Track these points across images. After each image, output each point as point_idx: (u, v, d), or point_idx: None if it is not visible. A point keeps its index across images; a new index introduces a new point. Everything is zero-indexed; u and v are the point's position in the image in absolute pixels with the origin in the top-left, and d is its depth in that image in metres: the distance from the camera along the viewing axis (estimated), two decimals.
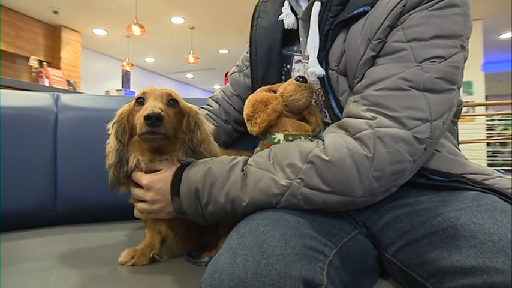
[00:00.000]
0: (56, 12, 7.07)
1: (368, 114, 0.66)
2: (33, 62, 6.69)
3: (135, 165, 0.79)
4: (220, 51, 9.53)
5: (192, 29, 7.90)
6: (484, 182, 0.71)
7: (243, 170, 0.69)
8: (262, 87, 0.86)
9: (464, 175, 0.72)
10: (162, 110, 0.72)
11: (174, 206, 0.75)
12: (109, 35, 8.33)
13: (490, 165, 6.06)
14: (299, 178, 0.64)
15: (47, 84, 5.09)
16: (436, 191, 0.71)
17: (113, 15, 7.21)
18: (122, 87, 9.77)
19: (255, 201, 0.66)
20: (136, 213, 0.85)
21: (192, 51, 8.35)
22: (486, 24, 6.61)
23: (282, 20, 0.90)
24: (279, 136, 0.79)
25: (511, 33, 7.55)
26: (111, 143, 0.81)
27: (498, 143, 6.03)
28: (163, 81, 12.24)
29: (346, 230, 0.69)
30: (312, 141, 0.79)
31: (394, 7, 0.69)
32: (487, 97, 7.64)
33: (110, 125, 0.82)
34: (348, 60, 0.75)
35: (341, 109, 0.77)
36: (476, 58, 6.53)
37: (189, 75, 12.67)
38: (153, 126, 0.71)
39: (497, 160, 6.06)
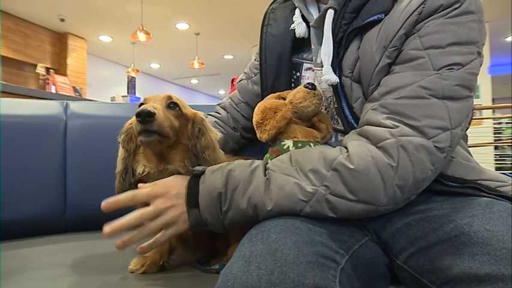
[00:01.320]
0: (62, 20, 7.17)
1: (389, 123, 0.66)
2: (41, 69, 6.77)
3: (142, 174, 0.78)
4: (225, 56, 9.58)
5: (197, 34, 7.96)
6: (498, 188, 0.71)
7: (265, 175, 0.69)
8: (272, 94, 0.86)
9: (478, 181, 0.72)
10: (155, 108, 0.71)
11: (191, 220, 0.70)
12: (114, 41, 8.41)
13: (497, 168, 6.00)
14: (324, 185, 0.64)
15: (53, 91, 5.15)
16: (448, 197, 0.71)
17: (118, 22, 7.28)
18: (128, 93, 9.84)
19: (280, 206, 0.65)
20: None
21: (196, 57, 8.41)
22: (492, 27, 6.57)
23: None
24: (289, 143, 0.79)
25: None
26: (119, 152, 0.82)
27: (506, 146, 5.97)
28: (168, 86, 12.32)
29: (357, 237, 0.69)
30: None
31: (410, 15, 0.69)
32: (493, 100, 7.59)
33: (120, 135, 0.83)
34: (362, 68, 0.75)
35: (354, 116, 0.77)
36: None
37: (194, 81, 12.74)
38: (144, 123, 0.70)
39: (506, 164, 6.00)
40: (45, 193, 1.14)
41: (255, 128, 0.81)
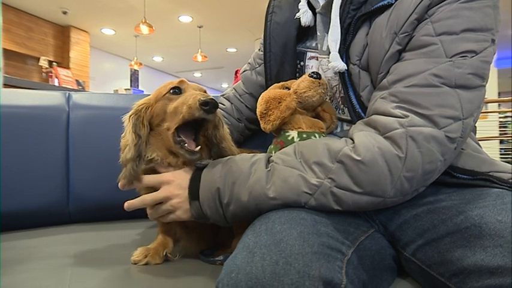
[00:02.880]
0: (65, 13, 7.14)
1: (398, 112, 0.64)
2: (43, 63, 6.77)
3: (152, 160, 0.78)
4: (228, 49, 9.53)
5: (200, 27, 7.91)
6: (511, 180, 0.69)
7: (267, 167, 0.68)
8: (276, 84, 0.85)
9: (490, 173, 0.70)
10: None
11: (193, 211, 0.73)
12: (117, 34, 8.39)
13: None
14: (329, 178, 0.63)
15: (56, 84, 5.15)
16: (457, 189, 0.69)
17: (121, 15, 7.25)
18: (131, 86, 9.83)
19: (284, 199, 0.64)
20: (149, 212, 0.84)
21: (200, 50, 8.37)
22: None
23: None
24: (293, 133, 0.78)
25: None
26: (127, 137, 0.77)
27: None
28: (171, 80, 12.21)
29: (363, 229, 0.68)
30: None
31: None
32: (499, 93, 7.52)
33: (126, 118, 0.80)
34: (371, 55, 0.73)
35: (362, 105, 0.76)
36: None
37: (197, 74, 12.70)
38: (209, 113, 0.71)
39: (511, 157, 5.95)
40: (48, 184, 1.13)
41: (259, 119, 0.80)
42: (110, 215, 1.19)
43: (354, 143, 0.64)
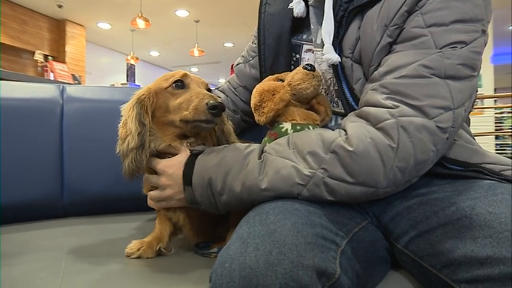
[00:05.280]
0: (60, 6, 7.07)
1: (389, 103, 0.64)
2: (39, 57, 6.72)
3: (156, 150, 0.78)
4: (225, 44, 9.48)
5: (196, 22, 7.86)
6: (502, 172, 0.70)
7: (260, 158, 0.68)
8: (270, 76, 0.84)
9: (482, 165, 0.71)
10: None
11: (186, 196, 0.74)
12: (113, 28, 8.32)
13: None
14: (322, 168, 0.63)
15: (52, 78, 5.11)
16: (449, 181, 0.70)
17: (117, 9, 7.19)
18: (127, 81, 9.78)
19: (276, 190, 0.64)
20: (149, 202, 0.84)
21: (196, 45, 8.32)
22: (495, 15, 6.47)
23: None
24: (287, 125, 0.77)
25: None
26: (129, 126, 0.76)
27: (507, 136, 5.95)
28: None
29: (357, 220, 0.68)
30: None
31: None
32: (495, 89, 7.54)
33: (126, 107, 0.79)
34: (363, 47, 0.73)
35: (355, 98, 0.76)
36: (485, 50, 6.42)
37: (194, 69, 12.65)
38: (216, 116, 0.72)
39: (506, 153, 5.99)
40: (41, 177, 1.13)
41: (253, 111, 0.80)
42: (104, 208, 1.20)
43: (346, 133, 0.64)
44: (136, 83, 9.26)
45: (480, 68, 0.68)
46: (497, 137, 6.00)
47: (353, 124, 0.66)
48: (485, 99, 6.10)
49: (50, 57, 6.96)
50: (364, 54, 0.73)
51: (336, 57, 0.75)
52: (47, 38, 7.63)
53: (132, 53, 8.79)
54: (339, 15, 0.75)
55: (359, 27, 0.74)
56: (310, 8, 0.83)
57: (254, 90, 0.81)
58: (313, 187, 0.63)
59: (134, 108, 0.76)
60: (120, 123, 0.79)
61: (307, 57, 0.89)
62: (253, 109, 0.80)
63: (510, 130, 5.78)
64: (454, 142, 0.73)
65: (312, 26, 0.84)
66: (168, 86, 0.78)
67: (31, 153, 1.12)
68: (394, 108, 0.63)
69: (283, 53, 0.90)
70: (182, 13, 7.44)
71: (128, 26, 7.42)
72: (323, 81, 0.83)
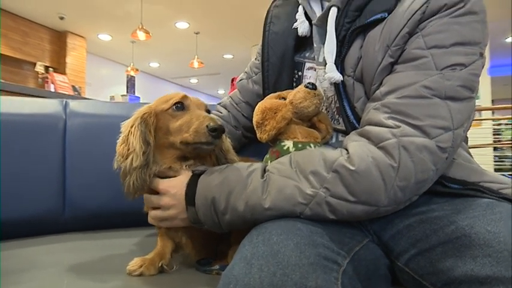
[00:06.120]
0: (62, 18, 7.15)
1: (391, 123, 0.66)
2: (40, 68, 6.76)
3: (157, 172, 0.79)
4: (225, 56, 9.56)
5: (196, 33, 7.95)
6: (500, 190, 0.71)
7: (263, 177, 0.69)
8: (272, 94, 0.86)
9: (480, 183, 0.72)
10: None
11: (189, 216, 0.74)
12: (114, 40, 8.40)
13: (497, 170, 5.98)
14: (324, 187, 0.64)
15: (52, 89, 5.13)
16: (448, 199, 0.71)
17: (118, 21, 7.27)
18: (127, 92, 9.81)
19: (279, 209, 0.65)
20: (150, 219, 0.85)
21: (196, 56, 8.39)
22: (492, 28, 6.53)
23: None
24: (288, 144, 0.79)
25: None
26: (132, 144, 0.76)
27: (506, 148, 5.97)
28: (168, 86, 12.30)
29: (358, 239, 0.69)
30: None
31: (414, 14, 0.68)
32: (493, 101, 7.60)
33: (127, 124, 0.80)
34: (365, 67, 0.74)
35: (356, 116, 0.77)
36: None
37: (194, 80, 12.72)
38: (216, 138, 0.74)
39: (505, 165, 6.00)
40: (43, 192, 1.13)
41: (255, 128, 0.81)
42: (106, 223, 1.20)
43: (348, 153, 0.66)
44: (136, 94, 9.29)
45: (478, 89, 0.70)
46: (495, 149, 6.02)
47: (355, 143, 0.67)
48: (483, 111, 6.14)
49: (50, 69, 7.00)
50: (366, 73, 0.74)
51: (338, 76, 0.76)
52: (48, 49, 7.70)
53: (132, 64, 8.85)
54: (342, 35, 0.77)
55: (361, 47, 0.76)
56: (314, 26, 0.85)
57: (256, 108, 0.82)
58: (315, 206, 0.64)
59: (138, 127, 0.77)
60: (120, 140, 0.80)
61: (309, 75, 0.90)
62: (255, 127, 0.81)
63: (508, 142, 5.80)
64: (453, 161, 0.74)
65: (314, 45, 0.86)
66: (169, 108, 0.79)
67: (33, 169, 1.12)
68: (395, 128, 0.65)
69: (286, 70, 0.91)
70: (182, 25, 7.52)
71: (128, 38, 7.48)
72: (324, 98, 0.84)
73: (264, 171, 0.70)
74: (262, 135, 0.79)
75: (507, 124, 6.32)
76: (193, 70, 9.67)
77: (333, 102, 0.85)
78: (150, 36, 6.56)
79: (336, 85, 0.79)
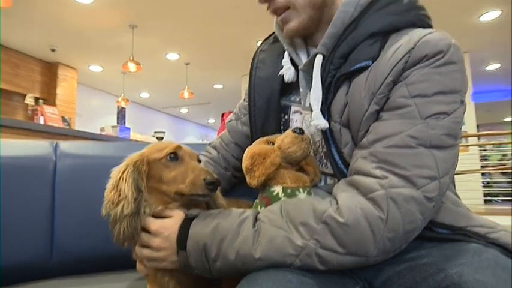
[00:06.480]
0: (53, 50, 7.20)
1: (378, 173, 0.67)
2: (29, 100, 6.73)
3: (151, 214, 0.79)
4: (215, 85, 9.68)
5: (187, 64, 8.06)
6: (487, 235, 0.72)
7: (254, 226, 0.69)
8: (260, 139, 0.87)
9: (468, 228, 0.73)
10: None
11: (180, 260, 0.74)
12: (105, 71, 8.46)
13: (485, 194, 6.05)
14: (314, 239, 0.64)
15: (42, 122, 5.10)
16: (437, 244, 0.72)
17: (109, 52, 7.35)
18: (117, 123, 9.80)
19: (269, 260, 0.65)
20: (138, 268, 0.83)
21: (187, 87, 8.47)
22: (473, 57, 6.85)
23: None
24: (278, 189, 0.80)
25: (498, 64, 7.81)
26: (124, 191, 0.75)
27: (493, 172, 6.07)
28: (158, 116, 12.32)
29: (349, 287, 0.69)
30: (310, 193, 0.80)
31: (397, 63, 0.71)
32: (478, 126, 7.78)
33: (117, 170, 0.79)
34: (351, 113, 0.76)
35: (344, 161, 0.78)
36: None
37: (184, 110, 12.78)
38: (213, 191, 0.75)
39: (493, 189, 6.08)
40: (31, 237, 1.10)
41: (245, 174, 0.82)
42: (94, 267, 1.17)
43: (337, 203, 0.67)
44: (126, 125, 9.27)
45: (461, 136, 0.72)
46: (483, 174, 6.11)
47: (344, 194, 0.68)
48: (469, 138, 6.27)
49: (40, 101, 6.98)
50: (353, 119, 0.76)
51: (324, 123, 0.78)
52: (38, 81, 7.69)
53: (122, 94, 8.88)
54: (327, 81, 0.79)
55: (347, 93, 0.77)
56: (300, 72, 0.87)
57: (245, 153, 0.83)
58: (305, 257, 0.64)
59: (131, 174, 0.77)
60: (109, 186, 0.79)
61: (295, 118, 0.92)
62: (244, 172, 0.82)
63: (496, 166, 5.90)
64: (442, 204, 0.75)
65: (301, 90, 0.88)
66: (162, 158, 0.79)
67: (21, 213, 1.10)
68: (383, 179, 0.66)
69: (273, 114, 0.93)
70: (173, 56, 7.63)
71: (119, 69, 7.53)
72: (312, 142, 0.86)
73: (256, 219, 0.71)
74: (251, 181, 0.80)
75: (492, 150, 6.45)
76: (184, 100, 9.73)
77: (321, 146, 0.86)
78: (140, 68, 6.62)
79: (323, 131, 0.80)
